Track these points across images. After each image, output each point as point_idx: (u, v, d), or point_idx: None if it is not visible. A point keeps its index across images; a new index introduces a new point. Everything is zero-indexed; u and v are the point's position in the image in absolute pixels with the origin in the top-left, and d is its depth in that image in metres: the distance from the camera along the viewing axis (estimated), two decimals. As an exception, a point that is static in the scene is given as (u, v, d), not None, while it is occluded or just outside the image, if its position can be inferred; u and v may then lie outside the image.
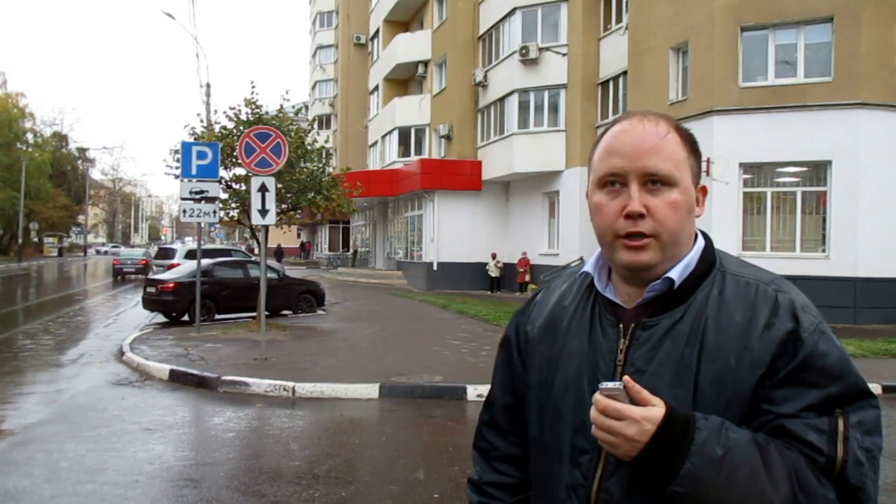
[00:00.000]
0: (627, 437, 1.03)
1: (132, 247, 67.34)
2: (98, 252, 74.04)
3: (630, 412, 1.03)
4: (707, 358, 1.10)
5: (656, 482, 1.05)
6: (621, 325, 1.19)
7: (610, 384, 1.05)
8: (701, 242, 1.21)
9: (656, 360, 1.13)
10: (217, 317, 14.84)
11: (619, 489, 1.13)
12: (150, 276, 17.57)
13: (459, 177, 24.95)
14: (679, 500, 1.03)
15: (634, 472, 1.08)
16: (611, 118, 20.56)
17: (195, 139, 13.27)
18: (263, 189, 9.64)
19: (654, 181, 1.14)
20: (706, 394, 1.09)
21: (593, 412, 1.06)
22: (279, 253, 44.05)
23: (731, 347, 1.09)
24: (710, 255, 1.20)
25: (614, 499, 1.13)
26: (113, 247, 78.02)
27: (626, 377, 1.06)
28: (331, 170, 15.62)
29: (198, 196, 12.08)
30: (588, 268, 1.27)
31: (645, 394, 1.04)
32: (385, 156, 31.65)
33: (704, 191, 1.22)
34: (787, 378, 1.07)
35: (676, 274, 1.15)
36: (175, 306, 14.62)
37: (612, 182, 1.16)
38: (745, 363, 1.08)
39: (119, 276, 29.46)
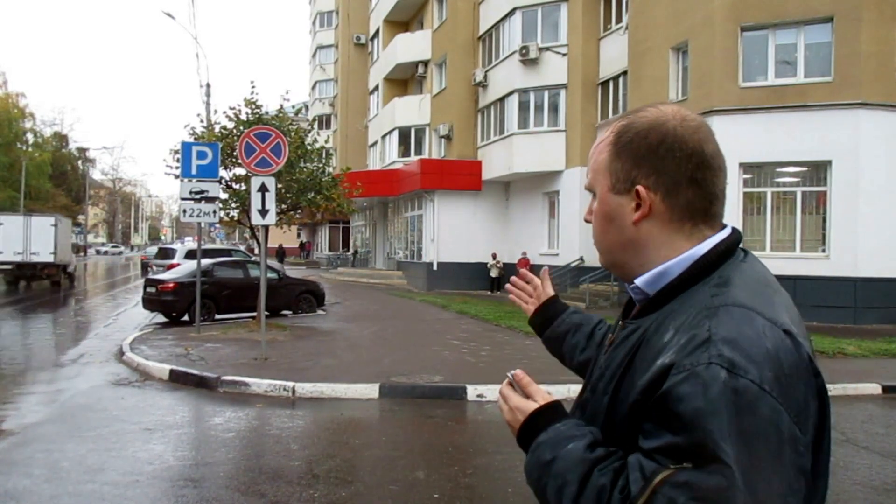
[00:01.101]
0: (507, 421, 1.19)
1: (132, 247, 71.30)
2: (98, 252, 74.09)
3: (511, 400, 1.18)
4: (629, 371, 1.07)
5: None
6: (620, 324, 1.24)
7: (511, 372, 1.21)
8: (697, 250, 1.10)
9: (607, 362, 1.16)
10: (217, 317, 14.84)
11: None
12: (150, 276, 17.56)
13: (459, 177, 24.96)
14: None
15: None
16: (611, 118, 20.61)
17: (195, 139, 13.27)
18: (263, 189, 9.64)
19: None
20: (617, 406, 1.07)
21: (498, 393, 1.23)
22: (281, 253, 43.38)
23: (642, 367, 1.03)
24: (701, 266, 1.09)
25: None
26: (113, 247, 78.28)
27: (518, 369, 1.19)
28: (331, 170, 15.63)
29: (198, 196, 12.08)
30: None
31: (532, 388, 1.17)
32: (385, 156, 31.66)
33: (638, 194, 1.11)
34: (650, 412, 0.98)
35: (641, 280, 1.14)
36: (175, 306, 14.61)
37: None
38: (636, 385, 1.02)
39: (147, 268, 34.87)
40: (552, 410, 1.14)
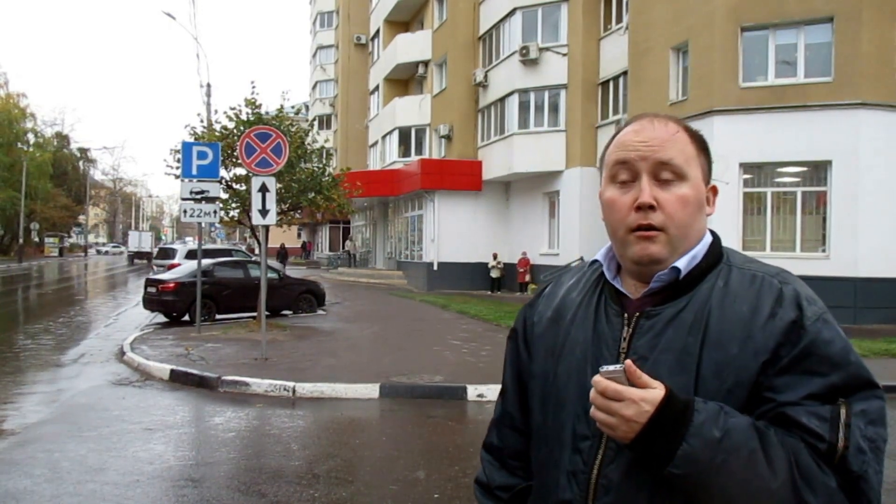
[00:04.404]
0: (625, 418, 1.04)
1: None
2: (98, 252, 74.22)
3: (629, 393, 1.04)
4: (709, 346, 1.12)
5: (654, 465, 1.06)
6: (626, 314, 1.21)
7: (611, 367, 1.07)
8: (709, 237, 1.23)
9: (659, 348, 1.15)
10: (217, 317, 14.85)
11: (618, 474, 1.14)
12: (151, 276, 17.58)
13: (460, 177, 24.96)
14: (677, 482, 1.04)
15: (634, 456, 1.09)
16: (611, 118, 20.60)
17: (195, 139, 13.27)
18: (264, 189, 9.65)
19: (665, 176, 1.18)
20: (708, 381, 1.10)
21: (593, 393, 1.08)
22: (283, 253, 40.79)
23: (734, 336, 1.11)
24: (717, 250, 1.22)
25: (613, 484, 1.14)
26: (114, 246, 78.44)
27: (628, 360, 1.07)
28: (331, 170, 15.63)
29: (198, 196, 12.09)
30: (599, 256, 1.30)
31: (645, 378, 1.05)
32: (385, 156, 31.66)
33: (715, 190, 1.25)
34: (790, 366, 1.07)
35: (683, 264, 1.18)
36: (175, 306, 14.62)
37: (623, 178, 1.20)
38: (747, 352, 1.09)
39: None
40: (676, 394, 1.06)
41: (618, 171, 1.21)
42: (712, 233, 1.25)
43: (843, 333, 1.11)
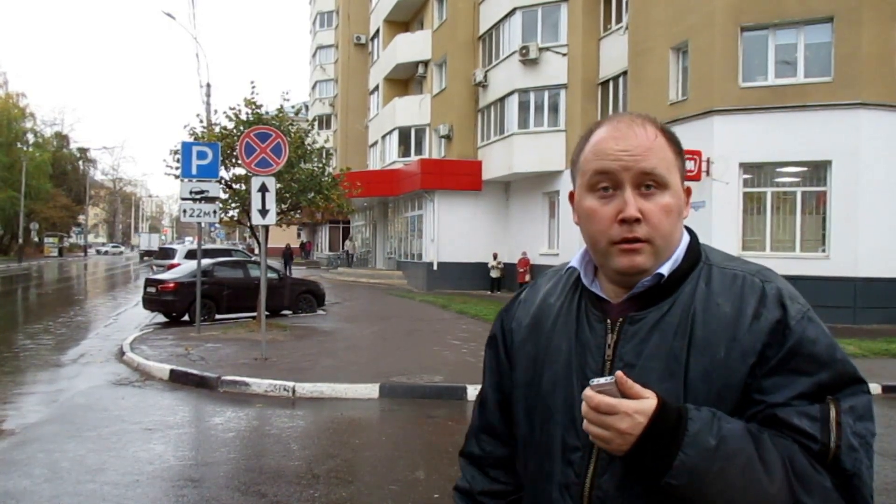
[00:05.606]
0: (620, 431, 1.02)
1: (132, 247, 77.00)
2: (98, 252, 74.21)
3: (622, 406, 1.02)
4: (696, 350, 1.10)
5: (650, 476, 1.03)
6: (608, 321, 1.18)
7: (601, 380, 1.04)
8: (686, 237, 1.21)
9: (645, 354, 1.13)
10: (217, 317, 14.84)
11: (612, 485, 1.12)
12: (151, 276, 17.57)
13: (459, 177, 24.95)
14: (673, 492, 1.02)
15: (628, 467, 1.07)
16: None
17: (195, 139, 13.27)
18: (263, 189, 9.64)
19: (648, 185, 1.14)
20: (697, 386, 1.09)
21: (584, 408, 1.05)
22: (287, 254, 32.96)
23: (720, 339, 1.09)
24: (695, 250, 1.20)
25: (608, 495, 1.12)
26: (114, 247, 78.47)
27: (619, 372, 1.04)
28: (331, 170, 15.62)
29: (198, 196, 12.08)
30: (574, 263, 1.26)
31: (637, 388, 1.03)
32: (385, 156, 31.66)
33: (689, 192, 1.22)
34: (777, 367, 1.06)
35: (666, 269, 1.15)
36: (175, 306, 14.62)
37: (604, 187, 1.15)
38: (734, 354, 1.08)
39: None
40: (668, 402, 1.04)
41: (598, 181, 1.16)
42: (689, 231, 1.23)
43: (826, 330, 1.10)
